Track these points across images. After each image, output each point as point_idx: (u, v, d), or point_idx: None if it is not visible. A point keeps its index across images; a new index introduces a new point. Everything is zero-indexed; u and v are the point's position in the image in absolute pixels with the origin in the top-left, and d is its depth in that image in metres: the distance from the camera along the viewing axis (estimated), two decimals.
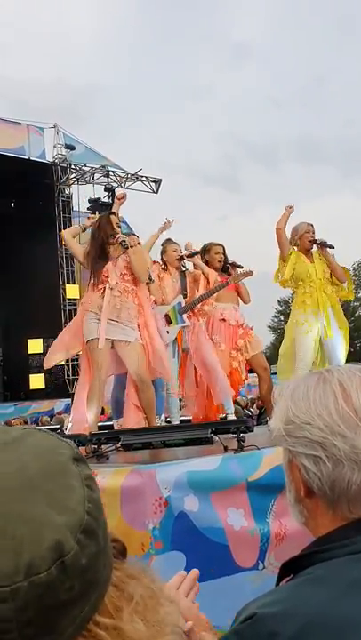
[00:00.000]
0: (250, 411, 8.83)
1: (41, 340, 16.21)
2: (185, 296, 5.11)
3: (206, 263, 5.20)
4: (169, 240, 5.27)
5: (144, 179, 17.12)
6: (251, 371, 5.37)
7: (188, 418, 5.42)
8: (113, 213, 4.52)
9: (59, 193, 16.78)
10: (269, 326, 38.27)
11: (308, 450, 0.81)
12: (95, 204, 15.43)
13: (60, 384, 15.49)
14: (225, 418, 4.79)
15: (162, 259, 5.22)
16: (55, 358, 4.56)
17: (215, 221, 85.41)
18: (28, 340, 16.24)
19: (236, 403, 5.96)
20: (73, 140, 17.11)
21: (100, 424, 4.56)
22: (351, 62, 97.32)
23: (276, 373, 5.39)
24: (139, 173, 17.01)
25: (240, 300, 5.33)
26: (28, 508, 0.45)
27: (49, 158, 16.96)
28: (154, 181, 17.31)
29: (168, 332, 4.95)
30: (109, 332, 4.17)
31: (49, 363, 4.54)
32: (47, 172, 16.69)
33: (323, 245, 5.07)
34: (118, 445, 3.06)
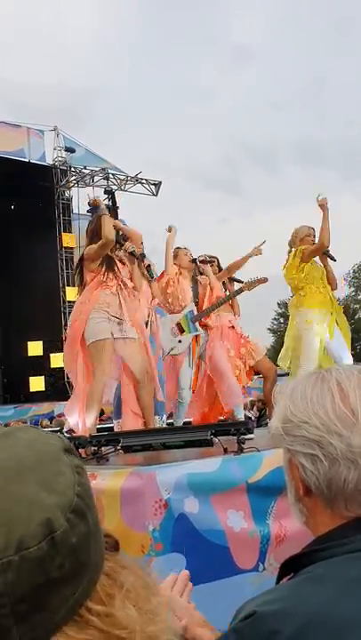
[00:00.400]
0: (250, 412, 8.84)
1: (41, 342, 16.25)
2: (197, 304, 5.15)
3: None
4: (178, 247, 5.33)
5: (144, 181, 17.16)
6: (258, 373, 5.39)
7: (188, 420, 5.43)
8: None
9: (59, 195, 16.84)
10: (269, 329, 38.30)
11: (306, 448, 0.82)
12: (95, 208, 15.44)
13: (60, 386, 15.47)
14: (225, 421, 4.79)
15: (175, 264, 5.26)
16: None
17: (215, 224, 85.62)
18: (28, 343, 16.27)
19: None
20: (73, 143, 17.18)
21: (98, 426, 4.55)
22: (350, 63, 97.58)
23: (286, 374, 5.36)
24: (139, 176, 17.05)
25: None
26: (19, 488, 0.47)
27: (49, 161, 17.03)
28: (154, 184, 17.34)
29: (181, 341, 4.97)
30: (120, 330, 4.08)
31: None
32: (47, 174, 16.76)
33: (327, 255, 5.12)
34: (118, 447, 3.06)
